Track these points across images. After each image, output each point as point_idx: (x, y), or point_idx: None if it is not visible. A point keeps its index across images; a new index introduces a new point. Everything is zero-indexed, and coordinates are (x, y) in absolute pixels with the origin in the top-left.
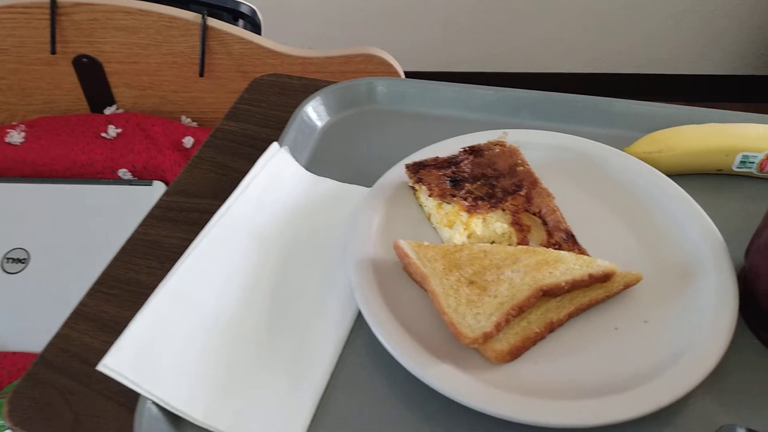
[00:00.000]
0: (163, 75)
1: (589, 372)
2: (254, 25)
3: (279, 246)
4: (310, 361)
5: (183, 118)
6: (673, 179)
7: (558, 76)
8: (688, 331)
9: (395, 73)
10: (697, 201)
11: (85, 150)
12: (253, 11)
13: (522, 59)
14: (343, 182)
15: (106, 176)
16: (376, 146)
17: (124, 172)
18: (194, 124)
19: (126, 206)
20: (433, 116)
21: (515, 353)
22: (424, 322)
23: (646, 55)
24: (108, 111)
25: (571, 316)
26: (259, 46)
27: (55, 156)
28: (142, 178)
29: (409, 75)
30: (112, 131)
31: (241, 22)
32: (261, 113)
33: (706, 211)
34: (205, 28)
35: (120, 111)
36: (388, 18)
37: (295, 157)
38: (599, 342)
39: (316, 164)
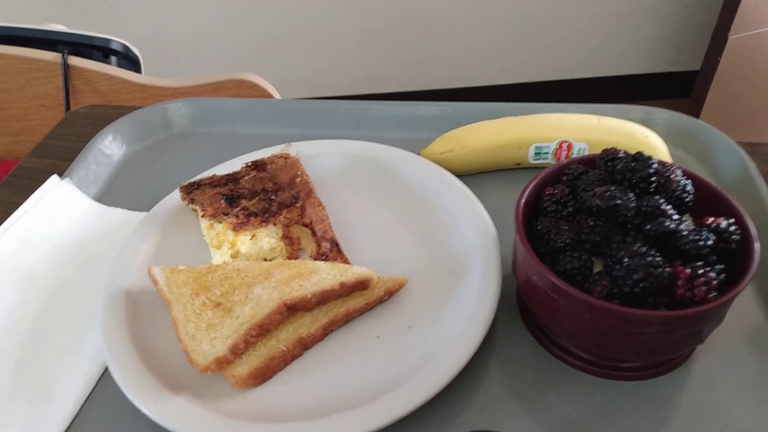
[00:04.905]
0: (33, 119)
1: (340, 387)
2: (131, 61)
3: (46, 284)
4: (50, 406)
5: None
6: (470, 178)
7: (483, 89)
8: (446, 332)
9: (269, 97)
10: (492, 198)
11: None
12: (126, 47)
13: (441, 75)
14: (137, 211)
15: None
16: (179, 170)
17: None
18: None
19: None
20: (245, 135)
21: (260, 376)
22: (174, 354)
23: (563, 60)
24: None
25: (327, 329)
26: (125, 81)
27: None
28: None
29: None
30: None
31: (113, 59)
32: (68, 147)
33: (501, 206)
34: (66, 67)
35: None
36: (301, 44)
37: (89, 188)
38: (358, 354)
39: (111, 194)
